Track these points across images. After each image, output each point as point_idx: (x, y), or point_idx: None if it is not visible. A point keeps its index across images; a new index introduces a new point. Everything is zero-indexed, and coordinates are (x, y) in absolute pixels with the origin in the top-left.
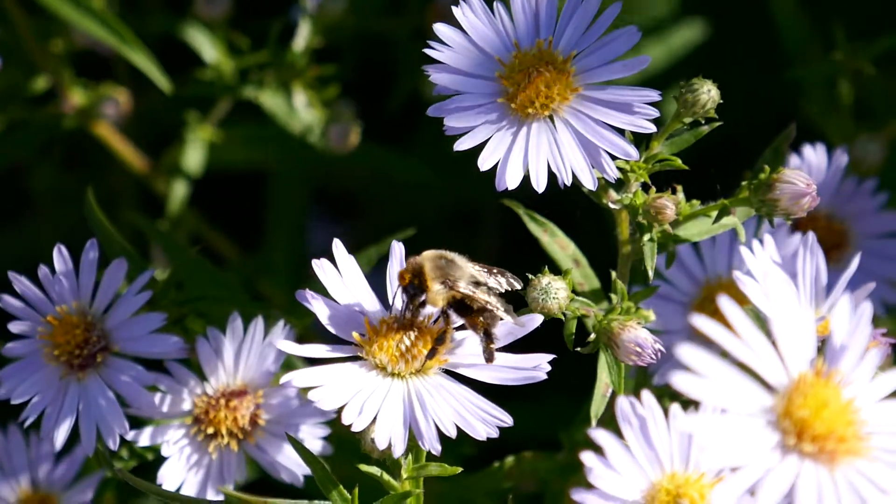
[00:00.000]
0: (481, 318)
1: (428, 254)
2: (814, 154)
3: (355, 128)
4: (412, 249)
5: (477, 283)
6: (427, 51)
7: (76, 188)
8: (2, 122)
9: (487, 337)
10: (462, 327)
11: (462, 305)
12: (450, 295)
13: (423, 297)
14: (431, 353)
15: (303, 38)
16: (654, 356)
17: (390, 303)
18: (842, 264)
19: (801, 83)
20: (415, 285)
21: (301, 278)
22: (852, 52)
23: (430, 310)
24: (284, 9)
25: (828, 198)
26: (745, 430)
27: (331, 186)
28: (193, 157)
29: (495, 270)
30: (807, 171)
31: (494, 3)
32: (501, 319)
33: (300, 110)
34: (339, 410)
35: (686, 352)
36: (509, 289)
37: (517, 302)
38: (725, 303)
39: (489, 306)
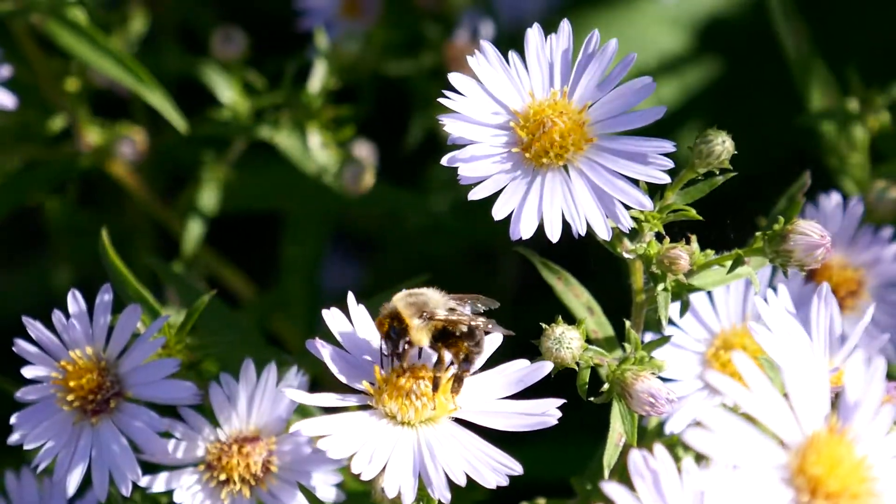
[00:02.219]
0: (466, 344)
1: (398, 295)
2: (829, 203)
3: (370, 169)
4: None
5: (452, 310)
6: (442, 100)
7: (91, 226)
8: (18, 161)
9: (466, 364)
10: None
11: (445, 333)
12: (431, 326)
13: (406, 338)
14: (435, 387)
15: (318, 78)
16: (667, 406)
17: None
18: (857, 312)
19: (815, 128)
20: (395, 328)
21: (316, 317)
22: (866, 97)
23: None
24: (301, 48)
25: (843, 246)
26: (758, 486)
27: (347, 225)
28: (209, 196)
29: (468, 299)
30: (822, 219)
31: (510, 53)
32: (488, 332)
33: (315, 151)
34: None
35: (699, 408)
36: (485, 309)
37: (532, 352)
38: (739, 358)
39: (472, 322)
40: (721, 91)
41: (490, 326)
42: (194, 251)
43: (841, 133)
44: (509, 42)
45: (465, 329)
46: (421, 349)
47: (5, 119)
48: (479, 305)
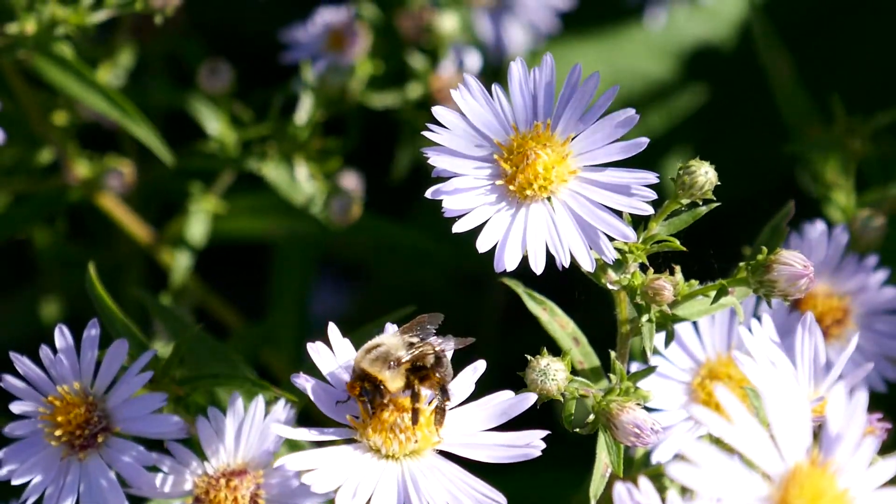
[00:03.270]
0: (437, 374)
1: (358, 356)
2: (813, 231)
3: (357, 201)
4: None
5: (412, 344)
6: (426, 133)
7: (81, 258)
8: (6, 194)
9: (443, 394)
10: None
11: (415, 368)
12: (402, 371)
13: (381, 391)
14: (414, 420)
15: (305, 111)
16: (652, 437)
17: (359, 411)
18: (842, 341)
19: (800, 155)
20: (367, 389)
21: (304, 348)
22: (850, 127)
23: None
24: (287, 81)
25: (828, 274)
26: None
27: (336, 253)
28: (197, 228)
29: (415, 325)
30: (806, 248)
31: (493, 86)
32: (453, 347)
33: (302, 182)
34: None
35: (681, 441)
36: (435, 326)
37: (519, 384)
38: (721, 392)
39: (437, 349)
40: (707, 118)
41: (445, 344)
42: (183, 282)
43: (825, 161)
44: (494, 74)
45: (432, 359)
46: None
47: None
48: (429, 327)
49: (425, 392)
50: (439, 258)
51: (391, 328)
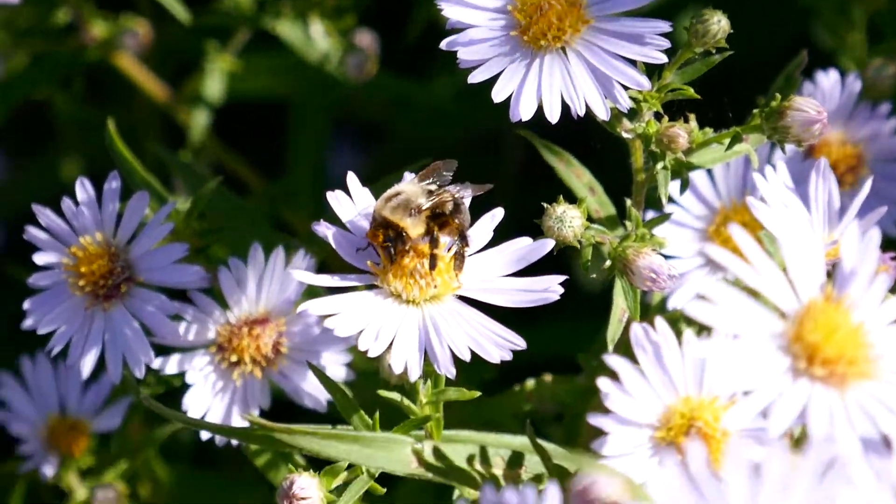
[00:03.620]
0: (455, 221)
1: (378, 204)
2: (826, 80)
3: (372, 57)
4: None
5: (431, 192)
6: None
7: (99, 119)
8: (23, 55)
9: (462, 240)
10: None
11: (435, 216)
12: (422, 217)
13: (403, 238)
14: (432, 265)
15: None
16: (668, 281)
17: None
18: (856, 187)
19: (814, 7)
20: (390, 236)
21: (323, 204)
22: None
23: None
24: None
25: (841, 123)
26: (756, 354)
27: (352, 113)
28: (213, 86)
29: (430, 172)
30: (820, 97)
31: None
32: (471, 193)
33: (317, 40)
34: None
35: (699, 280)
36: (451, 173)
37: (536, 233)
38: (737, 231)
39: (456, 195)
40: None
41: (463, 191)
42: (201, 140)
43: (839, 13)
44: None
45: (451, 206)
46: None
47: (10, 14)
48: (445, 173)
49: (444, 239)
50: (455, 115)
51: (408, 177)
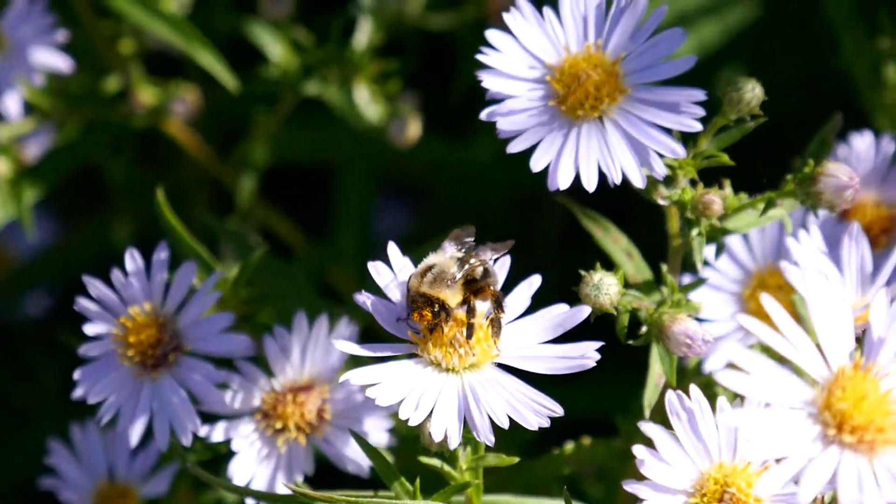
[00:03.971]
0: (488, 284)
1: (413, 282)
2: (861, 142)
3: (415, 122)
4: (477, 236)
5: (461, 260)
6: (479, 56)
7: (149, 183)
8: (76, 122)
9: (497, 304)
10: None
11: (469, 283)
12: (459, 286)
13: (447, 309)
14: (469, 334)
15: (364, 34)
16: (703, 347)
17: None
18: (890, 248)
19: (848, 67)
20: (435, 311)
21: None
22: None
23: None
24: (346, 4)
25: (876, 184)
26: (787, 422)
27: (398, 173)
28: (260, 151)
29: (453, 239)
30: (854, 159)
31: (544, 8)
32: (496, 254)
33: (363, 105)
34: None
35: (731, 350)
36: (471, 239)
37: (574, 301)
38: (767, 300)
39: (485, 260)
40: (759, 32)
41: (491, 255)
42: (248, 204)
43: (873, 72)
44: None
45: (481, 271)
46: None
47: (63, 82)
48: (466, 240)
49: (480, 307)
50: (498, 177)
51: (379, 271)
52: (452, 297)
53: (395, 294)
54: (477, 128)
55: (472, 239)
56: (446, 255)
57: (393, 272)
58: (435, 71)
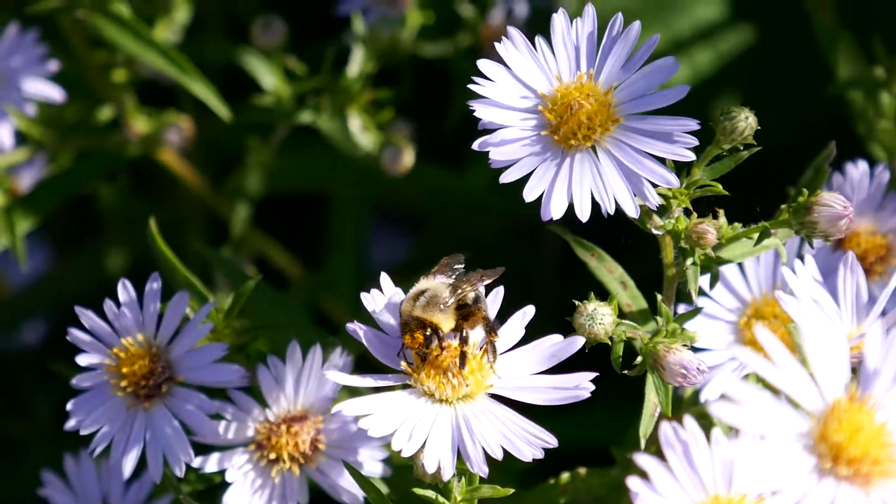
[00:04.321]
0: (479, 309)
1: (405, 306)
2: (855, 171)
3: (409, 151)
4: (472, 264)
5: (453, 286)
6: (471, 86)
7: (143, 211)
8: (69, 151)
9: (490, 329)
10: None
11: (461, 308)
12: (452, 311)
13: (439, 334)
14: (462, 363)
15: (357, 63)
16: (698, 377)
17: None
18: (886, 277)
19: (843, 95)
20: (428, 335)
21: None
22: (892, 65)
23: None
24: (339, 33)
25: (871, 213)
26: (783, 454)
27: (394, 200)
28: (254, 180)
29: (444, 266)
30: (849, 187)
31: (536, 38)
32: (486, 280)
33: (356, 134)
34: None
35: (717, 385)
36: (460, 266)
37: (570, 330)
38: (761, 331)
39: (477, 285)
40: (754, 59)
41: (481, 280)
42: (242, 233)
43: (868, 100)
44: (544, 21)
45: (472, 296)
46: None
47: (55, 111)
48: (456, 267)
49: (472, 336)
50: (493, 205)
51: (370, 301)
52: (445, 321)
53: (388, 324)
54: (471, 156)
55: (462, 266)
56: (438, 281)
57: (385, 302)
58: (430, 99)
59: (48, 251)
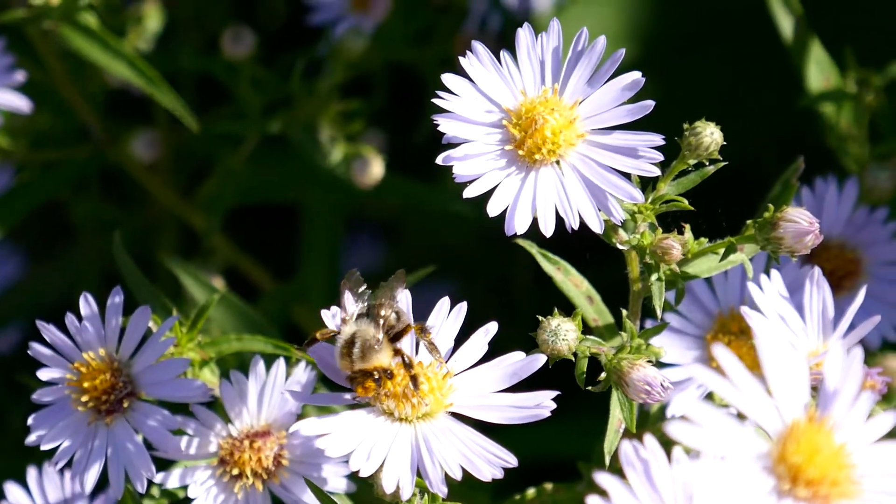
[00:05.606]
0: (407, 325)
1: (343, 363)
2: (825, 185)
3: (377, 162)
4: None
5: (376, 316)
6: (435, 100)
7: (116, 218)
8: (39, 161)
9: (423, 332)
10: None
11: (390, 332)
12: (386, 345)
13: (388, 371)
14: (416, 384)
15: (327, 75)
16: (663, 394)
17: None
18: (854, 292)
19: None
20: (377, 378)
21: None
22: (862, 78)
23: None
24: (312, 42)
25: (840, 227)
26: (741, 475)
27: (365, 212)
28: (226, 190)
29: (349, 288)
30: (818, 202)
31: (501, 53)
32: (399, 293)
33: (326, 145)
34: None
35: (681, 402)
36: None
37: (533, 346)
38: (720, 351)
39: (392, 303)
40: (723, 73)
41: (394, 297)
42: (213, 244)
43: (839, 113)
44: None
45: (393, 317)
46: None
47: (22, 121)
48: (359, 290)
49: (415, 355)
50: (465, 215)
51: (328, 314)
52: (386, 357)
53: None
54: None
55: (362, 281)
56: (357, 320)
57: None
58: (403, 108)
59: (20, 259)
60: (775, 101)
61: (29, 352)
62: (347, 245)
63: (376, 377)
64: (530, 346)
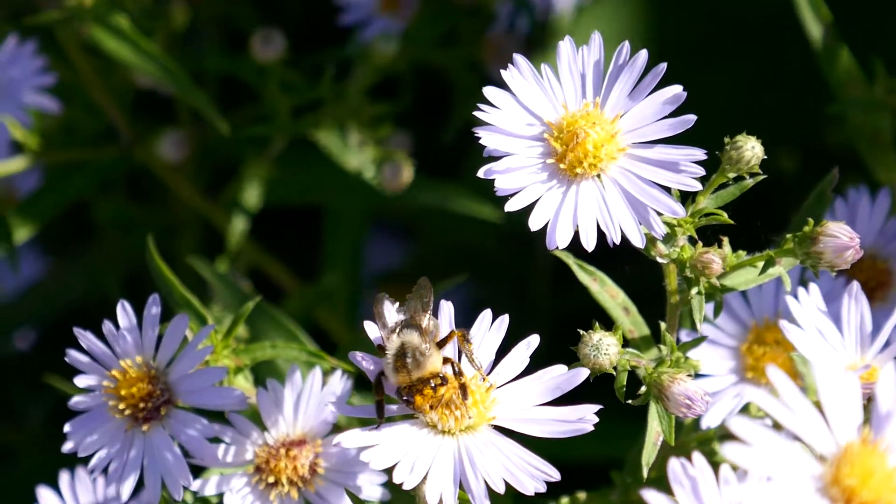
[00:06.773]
0: (451, 332)
1: (399, 379)
2: (857, 196)
3: (408, 167)
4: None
5: (424, 329)
6: (477, 113)
7: (139, 220)
8: (66, 161)
9: (465, 341)
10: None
11: (440, 345)
12: (434, 351)
13: (441, 377)
14: (465, 394)
15: (357, 78)
16: (704, 407)
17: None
18: (887, 303)
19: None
20: (434, 385)
21: (359, 306)
22: (891, 87)
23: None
24: (341, 42)
25: (872, 238)
26: (795, 497)
27: (390, 212)
28: (251, 192)
29: (383, 309)
30: (851, 213)
31: (542, 66)
32: (429, 301)
33: (354, 148)
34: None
35: (735, 423)
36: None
37: (572, 359)
38: (773, 372)
39: (428, 312)
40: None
41: (428, 306)
42: (238, 246)
43: (868, 121)
44: (543, 32)
45: (432, 325)
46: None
47: (52, 121)
48: (390, 303)
49: (466, 367)
50: (488, 216)
51: (372, 328)
52: (438, 362)
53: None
54: (469, 166)
55: (395, 303)
56: (404, 332)
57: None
58: (428, 109)
59: (41, 258)
60: (795, 108)
61: (66, 359)
62: (372, 244)
63: (432, 385)
64: (548, 348)
